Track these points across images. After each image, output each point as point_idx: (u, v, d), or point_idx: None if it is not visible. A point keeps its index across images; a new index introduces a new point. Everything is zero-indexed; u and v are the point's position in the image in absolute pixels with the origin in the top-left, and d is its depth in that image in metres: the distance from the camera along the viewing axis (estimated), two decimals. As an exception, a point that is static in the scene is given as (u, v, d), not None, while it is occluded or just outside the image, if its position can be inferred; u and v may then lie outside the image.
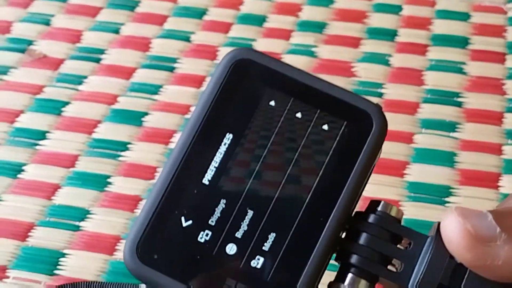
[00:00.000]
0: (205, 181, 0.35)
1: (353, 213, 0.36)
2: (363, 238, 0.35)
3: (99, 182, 0.80)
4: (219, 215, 0.34)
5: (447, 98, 0.89)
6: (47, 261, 0.73)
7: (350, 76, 0.92)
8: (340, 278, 0.35)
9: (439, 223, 0.35)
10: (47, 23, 1.00)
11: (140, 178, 0.80)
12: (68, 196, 0.79)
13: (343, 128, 0.36)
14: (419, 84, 0.91)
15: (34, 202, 0.78)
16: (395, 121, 0.86)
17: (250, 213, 0.34)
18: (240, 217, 0.34)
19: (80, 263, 0.73)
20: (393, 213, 0.36)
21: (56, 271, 0.72)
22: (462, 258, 0.34)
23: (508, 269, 0.33)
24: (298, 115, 0.36)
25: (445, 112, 0.87)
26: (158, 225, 0.34)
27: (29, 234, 0.75)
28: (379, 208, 0.36)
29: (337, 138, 0.35)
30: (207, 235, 0.34)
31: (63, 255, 0.73)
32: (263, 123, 0.36)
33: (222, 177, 0.35)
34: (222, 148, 0.35)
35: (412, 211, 0.76)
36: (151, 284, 0.34)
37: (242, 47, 0.37)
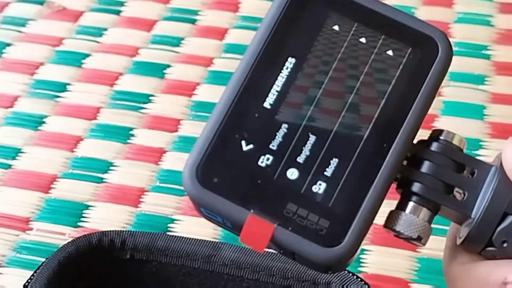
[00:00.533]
0: (267, 105, 0.34)
1: (416, 140, 0.35)
2: (425, 166, 0.34)
3: (122, 134, 0.79)
4: (280, 139, 0.34)
5: (475, 51, 0.87)
6: (71, 213, 0.72)
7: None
8: (402, 206, 0.35)
9: None
10: (65, -25, 0.98)
11: (164, 130, 0.79)
12: (91, 148, 0.78)
13: (408, 54, 0.34)
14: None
15: (57, 154, 0.77)
16: (423, 74, 0.84)
17: (312, 138, 0.34)
18: (302, 142, 0.33)
19: (104, 215, 0.72)
20: (455, 141, 0.36)
21: (80, 223, 0.71)
22: None
23: None
24: (362, 40, 0.35)
25: (473, 65, 0.85)
26: (219, 148, 0.33)
27: (52, 186, 0.74)
28: (441, 137, 0.35)
29: (402, 64, 0.34)
30: (268, 159, 0.33)
31: (87, 207, 0.72)
32: (326, 47, 0.35)
33: (283, 102, 0.34)
34: (284, 72, 0.34)
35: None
36: (211, 208, 0.33)
37: None
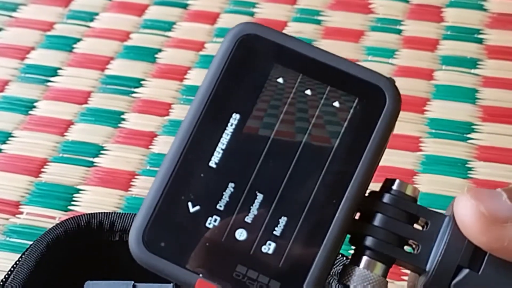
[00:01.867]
0: (212, 164, 0.33)
1: (367, 192, 0.34)
2: (378, 219, 0.33)
3: (113, 118, 0.78)
4: (227, 199, 0.32)
5: (468, 34, 0.87)
6: (61, 197, 0.71)
7: (368, 13, 0.90)
8: (355, 261, 0.33)
9: None
10: (56, -40, 0.98)
11: (154, 114, 0.79)
12: (82, 132, 0.77)
13: (355, 104, 0.33)
14: (438, 20, 0.89)
15: (47, 138, 0.77)
16: (415, 58, 0.84)
17: (259, 196, 0.32)
18: (249, 201, 0.32)
19: (95, 199, 0.71)
20: (408, 191, 0.34)
21: (70, 207, 0.71)
22: (478, 242, 0.31)
23: None
24: (308, 92, 0.33)
25: (465, 49, 0.85)
26: (165, 211, 0.32)
27: (42, 170, 0.74)
28: (394, 187, 0.34)
29: (349, 115, 0.33)
30: (215, 220, 0.32)
31: (78, 191, 0.72)
32: (271, 101, 0.33)
33: (229, 160, 0.33)
34: (229, 129, 0.33)
35: (434, 147, 0.75)
36: (160, 273, 0.32)
37: (247, 22, 0.34)
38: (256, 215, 0.32)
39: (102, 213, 0.56)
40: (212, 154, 0.33)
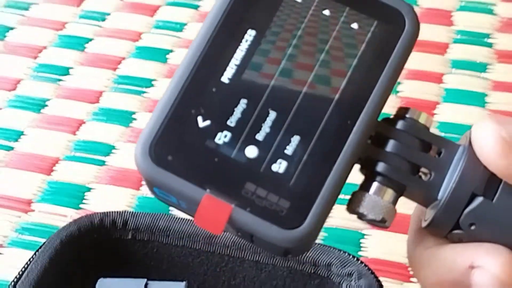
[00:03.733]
0: (225, 79, 0.32)
1: (380, 119, 0.33)
2: (390, 145, 0.32)
3: (124, 117, 0.79)
4: (239, 115, 0.31)
5: (478, 39, 0.87)
6: (73, 195, 0.72)
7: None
8: (365, 186, 0.33)
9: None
10: (69, -41, 0.99)
11: (166, 114, 0.79)
12: (93, 131, 0.78)
13: (374, 27, 0.32)
14: (448, 24, 0.89)
15: (59, 137, 0.77)
16: (425, 62, 0.84)
17: (272, 114, 0.31)
18: (262, 118, 0.31)
19: (106, 198, 0.72)
20: (422, 119, 0.33)
21: (82, 205, 0.71)
22: (495, 166, 0.31)
23: None
24: (326, 12, 0.32)
25: (475, 53, 0.86)
26: (173, 124, 0.31)
27: (54, 168, 0.74)
28: (407, 115, 0.33)
29: (367, 38, 0.32)
30: (225, 136, 0.31)
31: (89, 189, 0.73)
32: (288, 19, 0.32)
33: (242, 76, 0.32)
34: (244, 45, 0.32)
35: (443, 150, 0.75)
36: (165, 188, 0.31)
37: None
38: (268, 132, 0.31)
39: (115, 212, 0.56)
40: (225, 69, 0.32)
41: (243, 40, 0.32)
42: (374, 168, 0.32)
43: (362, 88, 0.32)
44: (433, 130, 0.75)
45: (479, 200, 0.32)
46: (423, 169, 0.33)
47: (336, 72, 0.32)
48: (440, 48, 0.86)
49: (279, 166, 0.31)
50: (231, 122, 0.31)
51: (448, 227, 0.32)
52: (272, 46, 0.32)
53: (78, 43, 0.87)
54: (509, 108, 0.79)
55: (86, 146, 0.76)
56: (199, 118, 0.31)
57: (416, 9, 0.90)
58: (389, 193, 0.32)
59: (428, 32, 0.88)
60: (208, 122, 0.31)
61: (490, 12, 0.90)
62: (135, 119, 0.79)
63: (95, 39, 0.88)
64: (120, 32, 0.89)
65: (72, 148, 0.76)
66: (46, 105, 0.80)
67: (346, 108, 0.32)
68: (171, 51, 0.86)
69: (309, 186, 0.31)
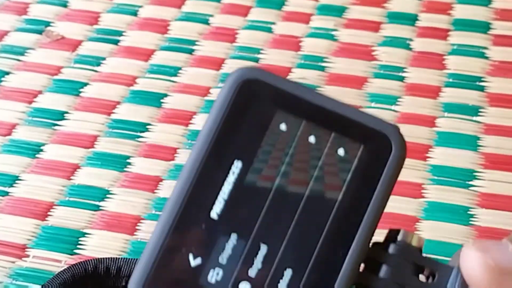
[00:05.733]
0: (213, 214, 0.31)
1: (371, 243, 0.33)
2: (384, 271, 0.33)
3: (119, 162, 0.79)
4: (230, 252, 0.31)
5: (470, 82, 0.88)
6: (67, 241, 0.72)
7: (371, 59, 0.91)
8: None
9: None
10: (64, 5, 0.99)
11: (160, 159, 0.79)
12: (88, 176, 0.78)
13: (360, 152, 0.32)
14: (441, 68, 0.90)
15: (54, 182, 0.77)
16: (417, 105, 0.85)
17: (263, 248, 0.31)
18: (253, 253, 0.31)
19: (100, 243, 0.72)
20: (414, 242, 0.33)
21: (76, 250, 0.71)
22: None
23: None
24: (311, 139, 0.32)
25: (467, 96, 0.86)
26: (165, 264, 0.31)
27: (49, 213, 0.75)
28: (399, 238, 0.33)
29: (354, 164, 0.32)
30: (217, 274, 0.31)
31: (84, 234, 0.73)
32: (274, 148, 0.32)
33: (231, 210, 0.32)
34: (231, 178, 0.32)
35: (436, 194, 0.76)
36: None
37: (248, 67, 0.33)
38: (260, 268, 0.31)
39: (109, 258, 0.57)
40: (214, 204, 0.32)
41: (230, 172, 0.32)
42: None
43: (352, 216, 0.32)
44: (426, 173, 0.76)
45: None
46: None
47: (325, 201, 0.32)
48: (432, 92, 0.87)
49: None
50: (223, 259, 0.31)
51: None
52: (259, 177, 0.32)
53: (73, 87, 0.88)
54: (501, 152, 0.80)
55: (81, 191, 0.77)
56: (190, 256, 0.31)
57: (409, 53, 0.91)
58: None
59: (420, 75, 0.89)
60: (199, 261, 0.31)
61: (482, 55, 0.91)
62: (129, 163, 0.79)
63: (90, 83, 0.89)
64: (115, 76, 0.90)
65: (66, 193, 0.76)
66: (41, 150, 0.81)
67: (338, 238, 0.32)
68: (166, 95, 0.87)
69: None
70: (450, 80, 0.88)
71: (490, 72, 0.89)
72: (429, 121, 0.83)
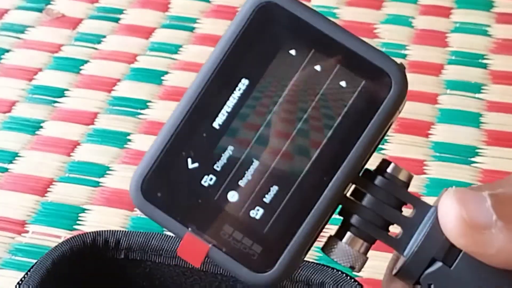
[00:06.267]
0: (216, 125, 0.33)
1: (362, 170, 0.34)
2: (366, 200, 0.34)
3: (119, 139, 0.79)
4: (225, 161, 0.33)
5: (472, 60, 0.88)
6: (67, 216, 0.72)
7: (373, 37, 0.90)
8: (340, 234, 0.35)
9: None
10: (65, -17, 0.99)
11: (160, 135, 0.79)
12: (88, 152, 0.78)
13: (361, 86, 0.33)
14: (443, 46, 0.89)
15: (54, 158, 0.77)
16: (420, 82, 0.85)
17: (255, 163, 0.33)
18: (245, 166, 0.33)
19: (100, 218, 0.72)
20: (402, 176, 0.35)
21: (76, 226, 0.71)
22: (456, 243, 0.32)
23: (502, 258, 0.31)
24: (317, 67, 0.33)
25: (470, 74, 0.86)
26: (165, 164, 0.33)
27: (49, 189, 0.74)
28: (388, 170, 0.35)
29: (354, 96, 0.33)
30: (211, 179, 0.33)
31: (83, 210, 0.72)
32: (280, 71, 0.34)
33: (232, 123, 0.33)
34: (236, 93, 0.33)
35: (438, 171, 0.75)
36: (153, 220, 0.33)
37: None
38: (250, 180, 0.33)
39: (107, 231, 0.56)
40: (217, 116, 0.33)
41: (237, 89, 0.33)
42: (350, 219, 0.34)
43: (343, 145, 0.33)
44: (428, 150, 0.75)
45: (438, 265, 0.33)
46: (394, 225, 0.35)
47: (320, 127, 0.33)
48: (435, 69, 0.86)
49: (256, 213, 0.33)
50: (217, 166, 0.33)
51: (411, 281, 0.34)
52: (262, 97, 0.34)
53: (73, 65, 0.88)
54: (503, 129, 0.80)
55: (81, 167, 0.76)
56: (189, 160, 0.33)
57: (411, 30, 0.91)
58: (360, 243, 0.34)
59: (422, 53, 0.88)
60: (196, 165, 0.33)
61: (485, 33, 0.91)
62: (129, 140, 0.79)
63: (91, 61, 0.88)
64: (115, 54, 0.89)
65: (66, 170, 0.76)
66: (41, 127, 0.80)
67: (326, 164, 0.33)
68: (166, 72, 0.87)
69: (282, 234, 0.33)
70: (453, 57, 0.88)
71: (493, 49, 0.89)
72: (432, 98, 0.83)
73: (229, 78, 0.33)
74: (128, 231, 0.56)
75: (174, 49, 0.90)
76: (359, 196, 0.35)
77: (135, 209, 0.72)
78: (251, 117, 0.34)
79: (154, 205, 0.33)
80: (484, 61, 0.87)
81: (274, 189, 0.33)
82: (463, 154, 0.77)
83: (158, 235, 0.56)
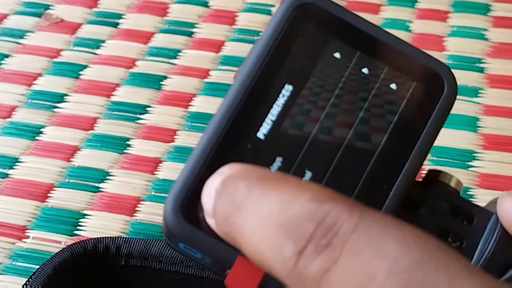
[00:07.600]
0: (260, 135, 0.31)
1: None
2: (422, 211, 0.33)
3: (118, 144, 0.79)
4: None
5: (469, 64, 0.88)
6: (67, 222, 0.72)
7: (370, 41, 0.90)
8: None
9: None
10: (63, -13, 0.99)
11: (159, 140, 0.79)
12: (88, 158, 0.78)
13: (412, 88, 0.32)
14: (440, 49, 0.90)
15: (53, 164, 0.77)
16: (417, 86, 0.85)
17: (308, 174, 0.31)
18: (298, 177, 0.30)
19: (100, 224, 0.72)
20: (453, 183, 0.33)
21: (76, 232, 0.71)
22: None
23: None
24: (365, 70, 0.32)
25: (467, 78, 0.86)
26: (206, 179, 0.29)
27: (49, 195, 0.75)
28: (439, 179, 0.33)
29: (406, 99, 0.32)
30: None
31: (83, 215, 0.73)
32: (325, 76, 0.32)
33: (278, 132, 0.31)
34: (280, 100, 0.31)
35: (435, 175, 0.75)
36: (195, 245, 0.29)
37: None
38: None
39: (108, 237, 0.57)
40: (261, 125, 0.31)
41: (280, 95, 0.31)
42: None
43: (400, 151, 0.31)
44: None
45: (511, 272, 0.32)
46: (453, 234, 0.33)
47: (373, 133, 0.32)
48: (432, 73, 0.86)
49: None
50: None
51: None
52: (309, 103, 0.31)
53: (72, 70, 0.88)
54: (501, 133, 0.80)
55: (80, 172, 0.77)
56: None
57: (408, 34, 0.91)
58: None
59: (420, 57, 0.88)
60: None
61: (482, 37, 0.91)
62: (129, 145, 0.79)
63: (90, 66, 0.89)
64: (114, 59, 0.89)
65: (66, 175, 0.76)
66: (41, 132, 0.81)
67: (383, 171, 0.31)
68: (165, 77, 0.87)
69: None
70: (450, 61, 0.88)
71: (489, 53, 0.89)
72: (429, 103, 0.83)
73: (271, 84, 0.31)
74: (128, 238, 0.57)
75: (173, 53, 0.90)
76: (412, 207, 0.33)
77: (135, 214, 0.72)
78: (298, 125, 0.31)
79: (198, 227, 0.29)
80: (481, 65, 0.88)
81: None
82: (460, 158, 0.77)
83: (159, 241, 0.57)
